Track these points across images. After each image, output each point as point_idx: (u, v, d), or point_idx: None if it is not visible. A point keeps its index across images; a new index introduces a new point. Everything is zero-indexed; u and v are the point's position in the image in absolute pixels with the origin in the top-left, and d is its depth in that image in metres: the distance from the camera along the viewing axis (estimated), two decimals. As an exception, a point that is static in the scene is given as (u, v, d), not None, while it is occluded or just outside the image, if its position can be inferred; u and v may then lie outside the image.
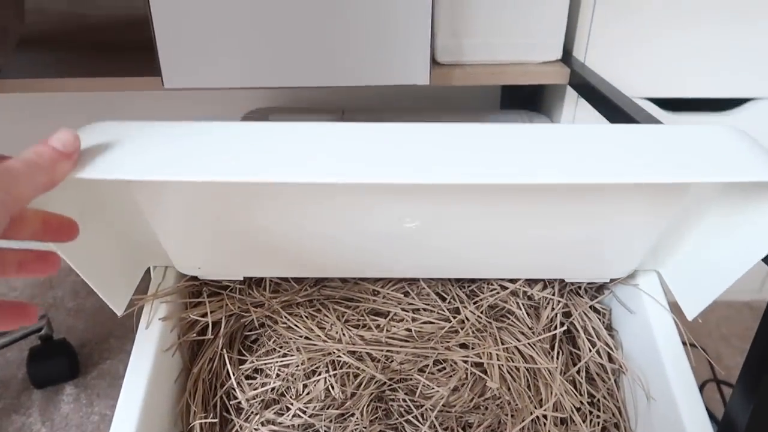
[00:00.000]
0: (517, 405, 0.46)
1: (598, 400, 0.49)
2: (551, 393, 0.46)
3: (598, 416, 0.48)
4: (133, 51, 0.78)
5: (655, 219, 0.42)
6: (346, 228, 0.43)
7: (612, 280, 0.51)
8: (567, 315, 0.53)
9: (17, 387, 0.87)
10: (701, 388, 0.64)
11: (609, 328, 0.53)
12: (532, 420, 0.46)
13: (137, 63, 0.76)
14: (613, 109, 0.59)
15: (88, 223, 0.37)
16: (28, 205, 0.31)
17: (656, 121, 0.53)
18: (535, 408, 0.46)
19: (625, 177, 0.34)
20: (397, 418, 0.48)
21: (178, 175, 0.33)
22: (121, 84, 0.77)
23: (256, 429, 0.47)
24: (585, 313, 0.52)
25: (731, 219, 0.41)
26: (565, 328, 0.51)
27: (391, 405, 0.49)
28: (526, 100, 0.92)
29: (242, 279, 0.51)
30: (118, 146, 0.35)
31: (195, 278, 0.51)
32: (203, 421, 0.47)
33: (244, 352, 0.52)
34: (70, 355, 0.88)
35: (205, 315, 0.50)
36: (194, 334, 0.50)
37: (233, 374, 0.49)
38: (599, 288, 0.54)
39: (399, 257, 0.47)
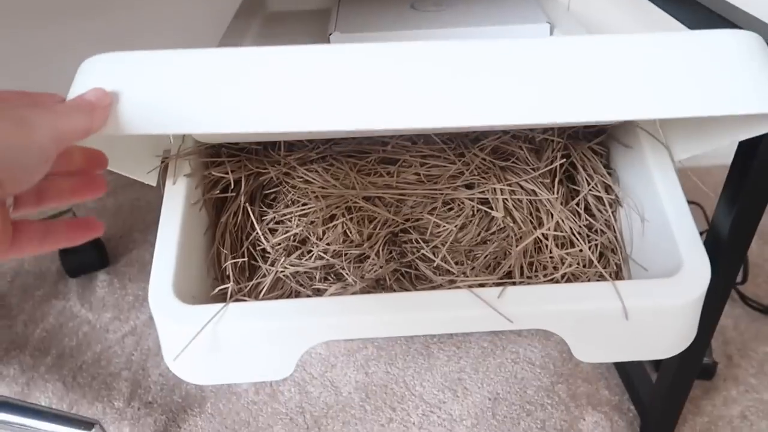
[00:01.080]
0: (521, 230, 0.50)
1: (597, 230, 0.53)
2: (552, 217, 0.50)
3: (596, 240, 0.51)
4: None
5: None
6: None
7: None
8: (566, 157, 0.55)
9: (53, 277, 0.93)
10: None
11: (607, 167, 0.56)
12: (535, 245, 0.50)
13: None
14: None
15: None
16: None
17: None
18: (536, 229, 0.50)
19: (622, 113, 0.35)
20: (410, 257, 0.52)
21: (233, 126, 0.36)
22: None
23: (281, 271, 0.52)
24: (583, 153, 0.55)
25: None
26: (564, 166, 0.54)
27: (405, 246, 0.53)
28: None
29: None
30: (148, 89, 0.37)
31: (212, 141, 0.54)
32: (234, 261, 0.51)
33: (264, 207, 0.55)
34: (98, 246, 0.93)
35: (226, 173, 0.53)
36: (218, 191, 0.53)
37: (257, 225, 0.53)
38: (598, 132, 0.57)
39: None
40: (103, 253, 0.94)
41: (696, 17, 0.50)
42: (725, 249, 0.49)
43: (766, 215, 0.99)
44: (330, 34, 0.70)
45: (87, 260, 0.92)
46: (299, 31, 0.79)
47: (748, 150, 0.45)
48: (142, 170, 0.51)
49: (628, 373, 0.73)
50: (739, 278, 0.85)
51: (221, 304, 0.44)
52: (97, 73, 0.39)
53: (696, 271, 0.44)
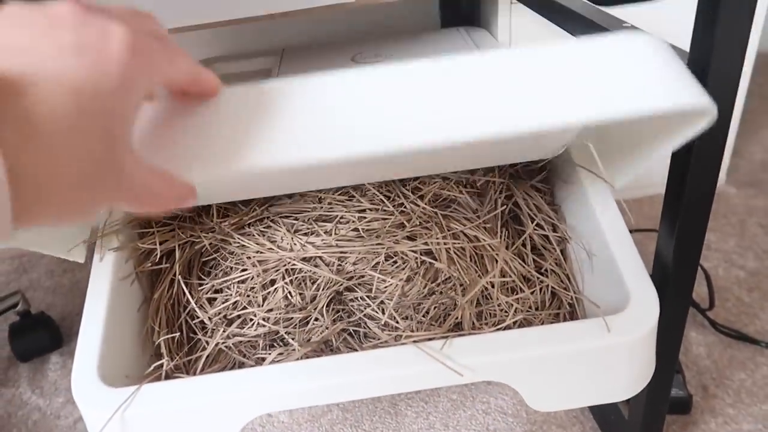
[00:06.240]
0: (466, 281, 0.48)
1: (546, 269, 0.51)
2: (496, 263, 0.48)
3: (546, 281, 0.50)
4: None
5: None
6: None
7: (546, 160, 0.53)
8: (510, 198, 0.54)
9: (3, 364, 0.88)
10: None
11: (551, 204, 0.55)
12: (483, 294, 0.48)
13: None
14: (548, 6, 0.60)
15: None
16: None
17: (591, 10, 0.53)
18: (481, 278, 0.48)
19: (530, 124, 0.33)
20: (357, 315, 0.50)
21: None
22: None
23: (222, 342, 0.49)
24: (527, 193, 0.54)
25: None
26: (508, 207, 0.53)
27: (351, 305, 0.51)
28: (465, 16, 0.92)
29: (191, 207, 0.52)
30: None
31: (143, 211, 0.52)
32: (167, 337, 0.48)
33: (202, 276, 0.53)
34: (51, 326, 0.89)
35: (154, 245, 0.51)
36: (150, 264, 0.51)
37: (193, 296, 0.50)
38: (540, 169, 0.56)
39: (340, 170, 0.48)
40: (56, 333, 0.90)
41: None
42: (672, 272, 0.48)
43: (732, 237, 0.98)
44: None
45: (37, 342, 0.88)
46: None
47: (680, 164, 0.44)
48: (68, 245, 0.49)
49: (602, 414, 0.71)
50: (706, 305, 0.84)
51: (135, 387, 0.41)
52: None
53: (643, 305, 0.43)
